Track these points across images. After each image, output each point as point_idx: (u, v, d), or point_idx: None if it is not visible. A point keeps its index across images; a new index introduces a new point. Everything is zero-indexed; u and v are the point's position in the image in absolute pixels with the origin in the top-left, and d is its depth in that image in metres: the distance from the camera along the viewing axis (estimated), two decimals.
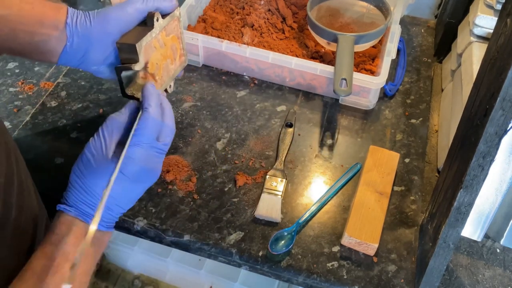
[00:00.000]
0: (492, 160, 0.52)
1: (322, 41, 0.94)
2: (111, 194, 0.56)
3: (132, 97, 0.65)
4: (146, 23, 0.68)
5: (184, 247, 0.74)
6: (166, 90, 0.74)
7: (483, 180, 0.53)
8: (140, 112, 0.59)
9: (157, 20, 0.68)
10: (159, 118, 0.60)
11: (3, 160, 0.57)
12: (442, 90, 0.98)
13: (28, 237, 0.62)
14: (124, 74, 0.65)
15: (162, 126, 0.60)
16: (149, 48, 0.68)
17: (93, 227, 0.51)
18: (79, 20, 0.63)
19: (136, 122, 0.58)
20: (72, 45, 0.63)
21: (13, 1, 0.60)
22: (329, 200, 0.78)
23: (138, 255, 1.35)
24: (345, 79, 0.82)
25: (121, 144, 0.58)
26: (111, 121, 0.59)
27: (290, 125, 0.88)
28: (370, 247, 0.71)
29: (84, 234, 0.53)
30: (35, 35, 0.62)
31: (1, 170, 0.56)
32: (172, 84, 0.75)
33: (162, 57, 0.71)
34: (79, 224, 0.57)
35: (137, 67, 0.65)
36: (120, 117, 0.59)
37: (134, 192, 0.60)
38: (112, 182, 0.54)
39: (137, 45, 0.64)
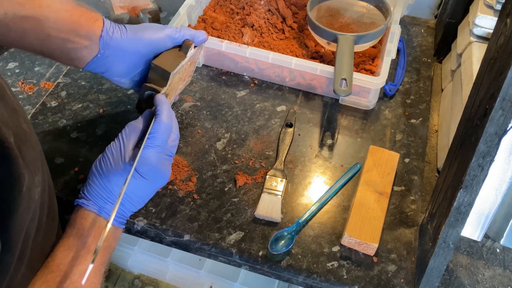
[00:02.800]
0: (492, 160, 0.52)
1: (322, 41, 0.94)
2: (125, 191, 0.61)
3: (142, 111, 0.72)
4: (180, 49, 0.73)
5: (184, 247, 0.74)
6: None
7: (483, 180, 0.53)
8: (154, 118, 0.65)
9: (191, 49, 0.73)
10: (170, 124, 0.66)
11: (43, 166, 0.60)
12: (442, 90, 0.98)
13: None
14: (148, 93, 0.72)
15: (171, 131, 0.66)
16: (177, 74, 0.74)
17: (110, 222, 0.57)
18: (113, 34, 0.66)
19: (150, 126, 0.64)
20: (102, 56, 0.67)
21: (52, 8, 0.62)
22: (329, 200, 0.78)
23: (138, 255, 1.35)
24: (345, 79, 0.82)
25: (137, 147, 0.65)
26: (129, 126, 0.65)
27: (290, 125, 0.88)
28: (370, 247, 0.71)
29: (103, 227, 0.60)
30: (69, 43, 0.64)
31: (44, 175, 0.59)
32: (176, 98, 0.83)
33: (179, 79, 0.77)
34: (98, 218, 0.62)
35: (163, 90, 0.71)
36: (137, 123, 0.66)
37: (145, 191, 0.65)
38: (129, 180, 0.60)
39: (171, 74, 0.70)
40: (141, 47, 0.69)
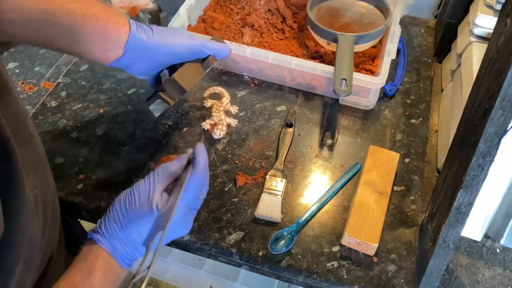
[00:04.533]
0: (492, 160, 0.52)
1: (322, 41, 0.94)
2: (144, 238, 0.59)
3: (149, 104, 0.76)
4: (202, 64, 0.75)
5: (184, 247, 0.74)
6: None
7: (483, 180, 0.53)
8: (191, 169, 0.62)
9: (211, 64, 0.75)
10: (204, 177, 0.63)
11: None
12: (442, 90, 0.98)
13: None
14: (158, 101, 0.75)
15: (204, 185, 0.64)
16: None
17: (145, 281, 0.54)
18: (139, 38, 0.67)
19: (186, 178, 0.61)
20: (126, 58, 0.67)
21: (78, 13, 0.62)
22: (329, 200, 0.78)
23: None
24: (345, 79, 0.82)
25: (165, 191, 0.61)
26: (163, 169, 0.61)
27: (290, 125, 0.88)
28: (370, 247, 0.71)
29: (112, 270, 0.57)
30: (95, 47, 0.65)
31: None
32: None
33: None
34: (110, 259, 0.58)
35: (172, 103, 0.75)
36: (171, 167, 0.62)
37: (163, 241, 0.61)
38: (164, 233, 0.57)
39: (187, 91, 0.73)
40: (165, 53, 0.70)
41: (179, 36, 0.72)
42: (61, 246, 0.69)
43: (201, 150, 0.64)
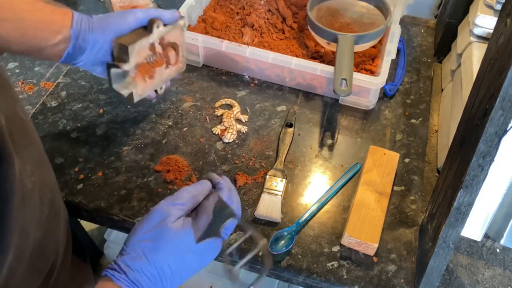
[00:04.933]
0: (492, 160, 0.52)
1: (322, 41, 0.94)
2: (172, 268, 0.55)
3: (118, 92, 0.70)
4: (146, 28, 0.72)
5: None
6: (156, 91, 0.78)
7: (483, 180, 0.53)
8: (216, 191, 0.60)
9: (158, 27, 0.71)
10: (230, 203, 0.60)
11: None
12: (442, 90, 0.98)
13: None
14: (113, 71, 0.70)
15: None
16: (143, 52, 0.71)
17: None
18: (83, 25, 0.67)
19: (208, 202, 0.58)
20: (75, 47, 0.67)
21: (25, 9, 0.63)
22: (329, 200, 0.78)
23: None
24: (345, 79, 0.82)
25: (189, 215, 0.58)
26: (183, 191, 0.59)
27: (290, 125, 0.88)
28: (370, 247, 0.71)
29: None
30: (43, 40, 0.65)
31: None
32: (163, 86, 0.79)
33: (157, 62, 0.75)
34: None
35: (126, 67, 0.69)
36: (192, 189, 0.59)
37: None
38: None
39: (129, 47, 0.68)
40: (109, 33, 0.69)
41: (118, 14, 0.71)
42: (67, 253, 0.69)
43: (224, 177, 0.62)
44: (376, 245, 0.70)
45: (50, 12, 0.65)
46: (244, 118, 0.89)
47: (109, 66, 0.70)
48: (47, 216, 0.59)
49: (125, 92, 0.72)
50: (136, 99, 0.74)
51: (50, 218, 0.60)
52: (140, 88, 0.73)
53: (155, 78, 0.75)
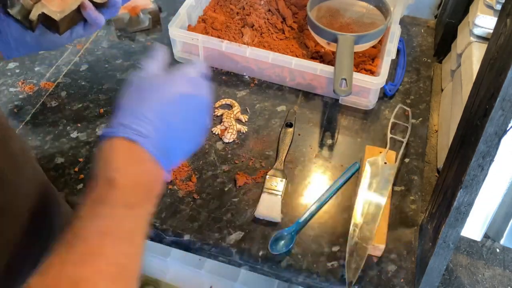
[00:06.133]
0: (492, 160, 0.52)
1: (322, 41, 0.94)
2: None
3: (17, 20, 0.58)
4: None
5: (184, 247, 0.74)
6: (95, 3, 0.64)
7: (483, 180, 0.53)
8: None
9: None
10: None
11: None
12: (442, 90, 0.98)
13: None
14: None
15: None
16: None
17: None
18: None
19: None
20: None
21: None
22: (328, 200, 0.78)
23: None
24: (345, 79, 0.82)
25: None
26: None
27: (290, 125, 0.88)
28: (377, 248, 0.71)
29: (137, 157, 0.45)
30: None
31: None
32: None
33: None
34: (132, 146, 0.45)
35: None
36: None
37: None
38: None
39: None
40: None
41: None
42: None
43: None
44: (383, 246, 0.70)
45: None
46: (244, 118, 0.89)
47: None
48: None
49: (33, 15, 0.58)
50: (62, 26, 0.60)
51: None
52: (55, 3, 0.59)
53: None
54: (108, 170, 0.44)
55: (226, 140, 0.85)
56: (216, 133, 0.86)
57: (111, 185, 0.43)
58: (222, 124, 0.87)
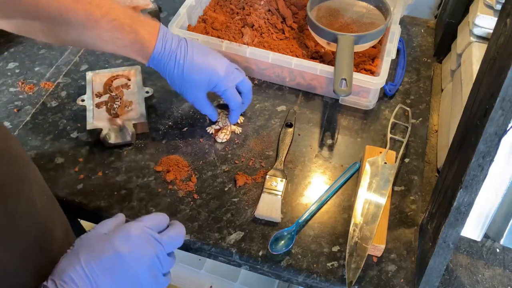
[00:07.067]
0: (491, 160, 0.52)
1: (322, 41, 0.94)
2: None
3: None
4: None
5: (184, 247, 0.74)
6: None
7: (483, 180, 0.53)
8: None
9: None
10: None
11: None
12: (442, 90, 0.98)
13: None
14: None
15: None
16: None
17: None
18: (168, 63, 0.76)
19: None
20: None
21: (103, 28, 0.67)
22: (328, 200, 0.78)
23: None
24: (345, 79, 0.82)
25: None
26: None
27: (290, 125, 0.88)
28: (377, 248, 0.71)
29: None
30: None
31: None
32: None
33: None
34: None
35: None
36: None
37: None
38: None
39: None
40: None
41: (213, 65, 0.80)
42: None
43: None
44: (383, 246, 0.70)
45: (132, 36, 0.71)
46: (240, 119, 0.89)
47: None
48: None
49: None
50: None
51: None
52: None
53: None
54: None
55: (219, 140, 0.85)
56: (211, 133, 0.86)
57: None
58: (216, 123, 0.87)
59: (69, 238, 0.62)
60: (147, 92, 0.90)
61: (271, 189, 0.77)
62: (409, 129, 0.87)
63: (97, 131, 0.82)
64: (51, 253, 0.55)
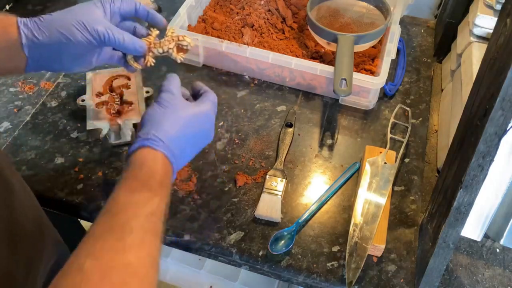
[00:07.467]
0: (491, 160, 0.52)
1: (322, 41, 0.94)
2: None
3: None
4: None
5: (184, 247, 0.74)
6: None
7: (483, 180, 0.53)
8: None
9: None
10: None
11: None
12: (442, 90, 0.98)
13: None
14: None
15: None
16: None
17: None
18: (33, 34, 0.60)
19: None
20: (34, 60, 0.61)
21: None
22: (328, 200, 0.78)
23: None
24: (345, 79, 0.82)
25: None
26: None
27: (290, 125, 0.88)
28: (377, 248, 0.71)
29: (169, 176, 0.57)
30: None
31: None
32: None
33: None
34: (167, 164, 0.58)
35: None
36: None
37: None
38: None
39: None
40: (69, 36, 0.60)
41: (77, 10, 0.62)
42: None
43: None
44: (383, 246, 0.70)
45: None
46: (186, 40, 0.76)
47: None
48: None
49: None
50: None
51: None
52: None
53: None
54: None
55: (179, 61, 0.76)
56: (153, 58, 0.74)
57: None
58: (150, 50, 0.73)
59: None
60: (147, 92, 0.90)
61: (271, 189, 0.78)
62: (409, 129, 0.87)
63: (97, 131, 0.82)
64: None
